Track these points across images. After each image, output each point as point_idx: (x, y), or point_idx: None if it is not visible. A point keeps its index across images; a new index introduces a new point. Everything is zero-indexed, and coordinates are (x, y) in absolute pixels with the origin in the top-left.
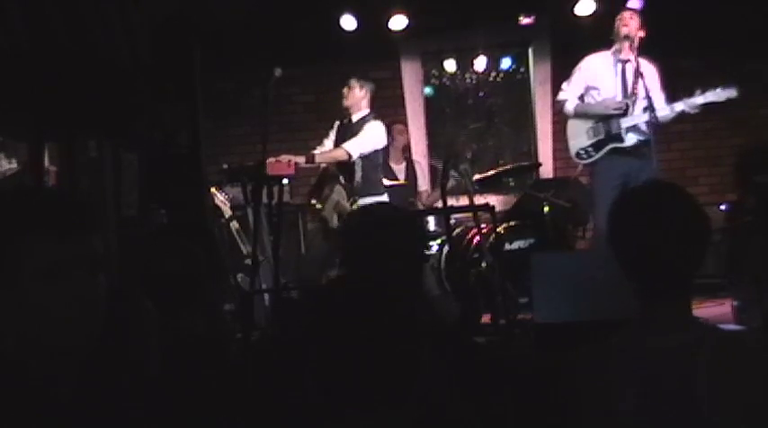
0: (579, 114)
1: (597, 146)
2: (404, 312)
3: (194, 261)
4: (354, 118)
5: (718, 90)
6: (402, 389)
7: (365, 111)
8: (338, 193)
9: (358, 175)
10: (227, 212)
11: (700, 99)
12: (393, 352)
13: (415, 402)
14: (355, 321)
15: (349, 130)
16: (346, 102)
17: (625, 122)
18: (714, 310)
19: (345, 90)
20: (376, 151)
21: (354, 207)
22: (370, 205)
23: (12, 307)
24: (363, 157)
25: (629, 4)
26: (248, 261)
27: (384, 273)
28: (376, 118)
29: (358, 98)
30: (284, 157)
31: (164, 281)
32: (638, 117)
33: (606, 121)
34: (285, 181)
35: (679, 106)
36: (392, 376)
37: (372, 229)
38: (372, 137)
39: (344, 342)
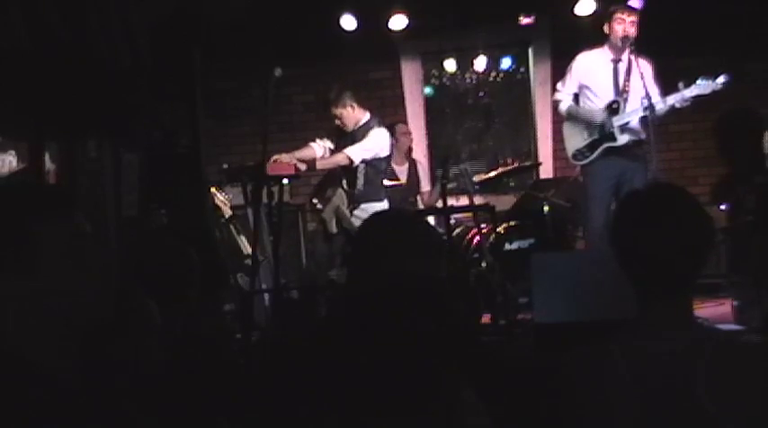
0: (570, 116)
1: (592, 146)
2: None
3: (186, 260)
4: (356, 126)
5: (705, 82)
6: (413, 394)
7: (365, 117)
8: (339, 198)
9: (360, 182)
10: (228, 212)
11: (687, 92)
12: (408, 361)
13: (426, 405)
14: (373, 329)
15: (350, 136)
16: (347, 129)
17: (617, 121)
18: (714, 310)
19: (337, 121)
20: (379, 159)
21: (356, 212)
22: (384, 212)
23: (31, 294)
24: (367, 164)
25: (629, 3)
26: (248, 261)
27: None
28: (380, 124)
29: (353, 114)
30: (285, 157)
31: (156, 280)
32: (630, 115)
33: (599, 112)
34: (285, 181)
35: (669, 100)
36: (404, 381)
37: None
38: (376, 144)
39: (361, 348)
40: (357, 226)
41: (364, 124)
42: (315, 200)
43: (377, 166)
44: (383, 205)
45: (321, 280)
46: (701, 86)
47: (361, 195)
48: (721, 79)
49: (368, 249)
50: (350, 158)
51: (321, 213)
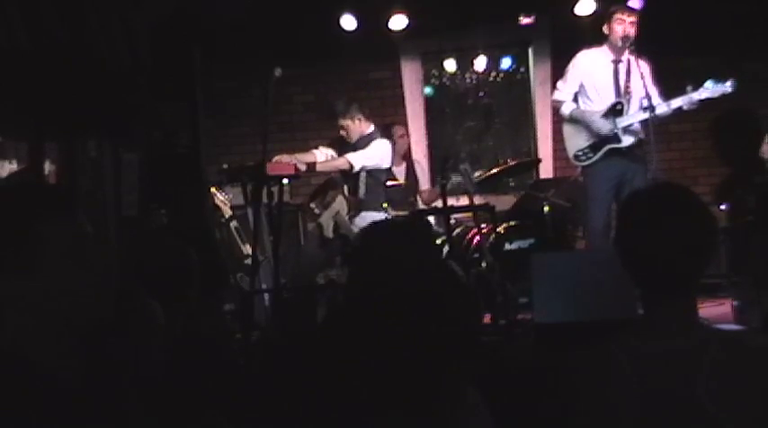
0: (573, 119)
1: (595, 147)
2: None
3: (186, 260)
4: (359, 137)
5: (711, 86)
6: (414, 394)
7: (369, 129)
8: (340, 204)
9: (362, 190)
10: (228, 212)
11: (695, 95)
12: (408, 361)
13: (427, 405)
14: (375, 331)
15: (352, 147)
16: (350, 140)
17: (621, 122)
18: (714, 310)
19: (342, 132)
20: (380, 169)
21: (357, 220)
22: (382, 222)
23: (31, 294)
24: (368, 173)
25: (629, 4)
26: (248, 261)
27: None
28: (383, 136)
29: (358, 127)
30: (286, 158)
31: (156, 280)
32: (634, 116)
33: (602, 122)
34: (285, 181)
35: (676, 102)
36: (404, 382)
37: (391, 242)
38: (378, 154)
39: (361, 348)
40: (356, 233)
41: (367, 135)
42: (312, 205)
43: (378, 177)
44: (382, 216)
45: (307, 282)
46: (711, 90)
47: (363, 203)
48: (731, 83)
49: (369, 256)
50: (350, 163)
51: (318, 218)
